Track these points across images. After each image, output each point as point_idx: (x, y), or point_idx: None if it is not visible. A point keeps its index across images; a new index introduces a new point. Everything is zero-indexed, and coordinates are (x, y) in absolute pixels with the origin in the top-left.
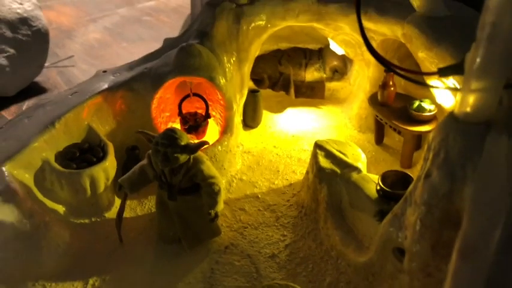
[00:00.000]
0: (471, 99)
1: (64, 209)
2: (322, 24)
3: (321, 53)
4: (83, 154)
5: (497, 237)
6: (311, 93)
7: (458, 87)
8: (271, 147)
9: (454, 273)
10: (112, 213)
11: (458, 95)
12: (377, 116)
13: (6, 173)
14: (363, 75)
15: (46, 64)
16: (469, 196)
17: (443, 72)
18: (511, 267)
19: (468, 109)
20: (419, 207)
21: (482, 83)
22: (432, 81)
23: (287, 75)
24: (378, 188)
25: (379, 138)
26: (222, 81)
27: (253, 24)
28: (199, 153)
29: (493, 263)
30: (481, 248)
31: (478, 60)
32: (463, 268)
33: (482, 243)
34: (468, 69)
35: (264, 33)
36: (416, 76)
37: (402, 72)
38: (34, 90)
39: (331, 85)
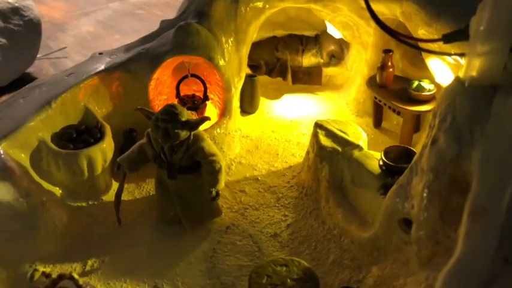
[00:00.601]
0: (477, 62)
1: (61, 191)
2: (320, 6)
3: (317, 39)
4: (80, 135)
5: (508, 197)
6: (308, 79)
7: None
8: (270, 132)
9: (466, 236)
10: (109, 197)
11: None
12: (376, 98)
13: (1, 151)
14: (360, 59)
15: (38, 55)
16: (478, 159)
17: (447, 38)
18: None
19: (474, 73)
20: (426, 175)
21: (488, 45)
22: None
23: (284, 60)
24: (381, 163)
25: (378, 122)
26: (221, 61)
27: (251, 5)
28: (200, 130)
29: (505, 223)
30: (491, 210)
31: (484, 22)
32: (475, 230)
33: (492, 205)
34: (474, 32)
35: (262, 14)
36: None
37: (408, 40)
38: (26, 81)
39: (328, 71)
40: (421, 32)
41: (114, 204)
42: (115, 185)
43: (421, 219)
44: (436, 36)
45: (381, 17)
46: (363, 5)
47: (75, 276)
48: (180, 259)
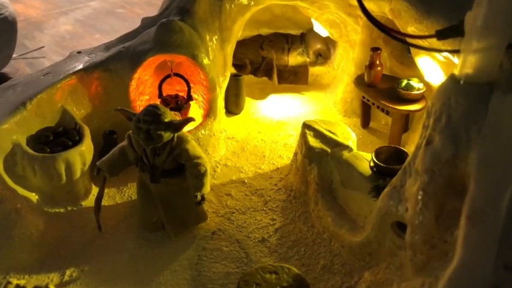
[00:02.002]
0: (473, 59)
1: (37, 197)
2: (307, 3)
3: (303, 38)
4: (57, 138)
5: (507, 200)
6: (294, 79)
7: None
8: (256, 133)
9: (465, 241)
10: (89, 202)
11: (460, 59)
12: (364, 98)
13: None
14: (347, 58)
15: (14, 55)
16: (475, 160)
17: (441, 35)
18: None
19: (470, 70)
20: (421, 176)
21: (484, 41)
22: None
23: (270, 59)
24: (372, 164)
25: (366, 122)
26: (205, 60)
27: (236, 1)
28: (184, 132)
29: (504, 226)
30: (490, 213)
31: (480, 18)
32: (474, 234)
33: (491, 207)
34: (469, 28)
35: (247, 11)
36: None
37: (401, 37)
38: (1, 81)
39: (314, 70)
40: (411, 30)
41: (94, 210)
42: (95, 190)
43: (416, 222)
44: (426, 34)
45: None
46: (351, 2)
47: (52, 287)
48: (164, 267)
